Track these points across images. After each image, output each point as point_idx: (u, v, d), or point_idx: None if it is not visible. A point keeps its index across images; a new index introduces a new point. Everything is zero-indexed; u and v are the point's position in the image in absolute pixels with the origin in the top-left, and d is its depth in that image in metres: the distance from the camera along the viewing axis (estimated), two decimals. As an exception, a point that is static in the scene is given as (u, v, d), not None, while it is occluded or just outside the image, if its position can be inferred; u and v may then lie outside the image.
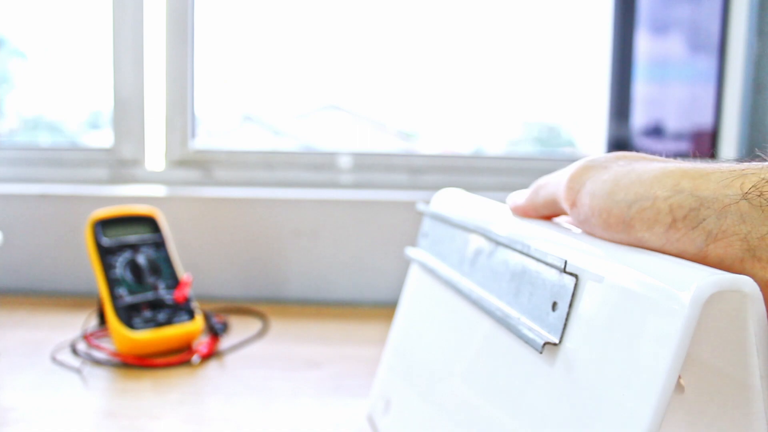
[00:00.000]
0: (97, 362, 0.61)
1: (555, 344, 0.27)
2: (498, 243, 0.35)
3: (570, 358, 0.26)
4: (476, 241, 0.37)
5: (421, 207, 0.47)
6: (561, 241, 0.29)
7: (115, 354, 0.62)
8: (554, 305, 0.28)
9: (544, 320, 0.29)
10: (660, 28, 1.14)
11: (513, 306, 0.31)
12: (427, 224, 0.46)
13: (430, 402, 0.38)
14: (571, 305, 0.27)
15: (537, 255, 0.30)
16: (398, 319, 0.47)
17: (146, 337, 0.62)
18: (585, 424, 0.24)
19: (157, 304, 0.66)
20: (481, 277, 0.36)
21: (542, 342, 0.27)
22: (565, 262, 0.27)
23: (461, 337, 0.36)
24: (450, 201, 0.45)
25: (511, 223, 0.35)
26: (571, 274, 0.27)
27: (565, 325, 0.27)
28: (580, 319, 0.26)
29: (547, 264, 0.29)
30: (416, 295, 0.45)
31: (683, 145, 1.15)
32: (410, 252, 0.47)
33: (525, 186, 0.36)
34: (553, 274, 0.29)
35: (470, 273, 0.37)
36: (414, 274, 0.47)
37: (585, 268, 0.27)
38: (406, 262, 0.49)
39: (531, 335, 0.28)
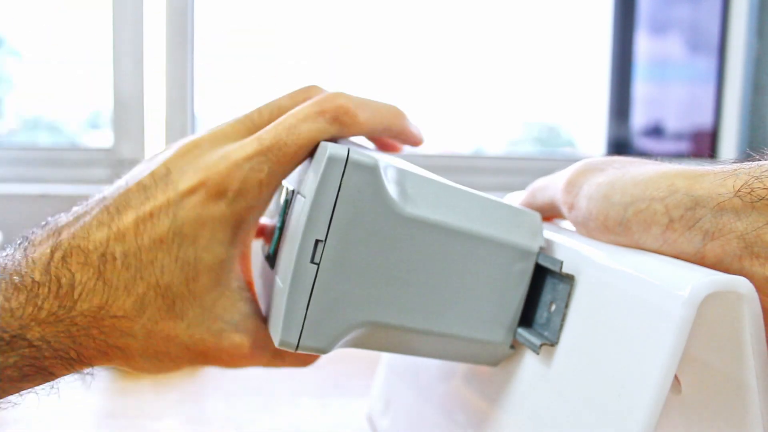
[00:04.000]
0: (97, 362, 0.61)
1: (552, 345, 0.27)
2: None
3: (567, 358, 0.26)
4: None
5: None
6: (557, 242, 0.29)
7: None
8: (551, 306, 0.28)
9: (540, 321, 0.29)
10: (660, 29, 1.15)
11: None
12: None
13: (430, 402, 0.38)
14: (567, 306, 0.27)
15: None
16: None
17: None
18: (582, 424, 0.24)
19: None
20: None
21: (539, 343, 0.27)
22: (561, 263, 0.28)
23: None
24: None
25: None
26: (567, 274, 0.27)
27: (562, 325, 0.27)
28: (577, 319, 0.26)
29: (543, 264, 0.29)
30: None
31: (683, 146, 1.15)
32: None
33: (525, 186, 0.36)
34: (549, 275, 0.29)
35: None
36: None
37: (581, 269, 0.27)
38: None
39: (528, 336, 0.28)
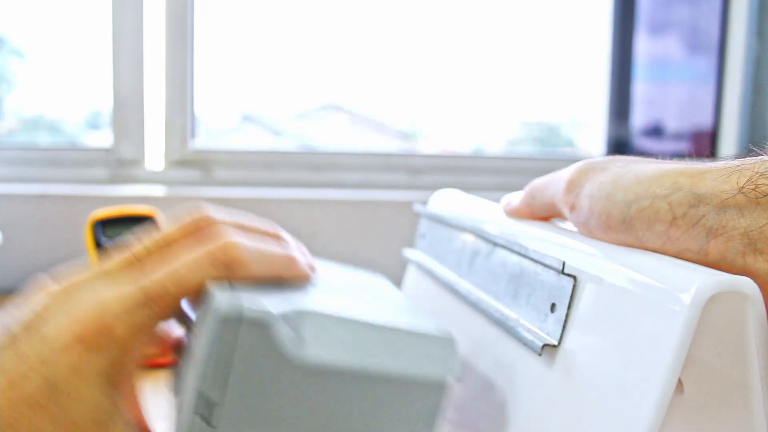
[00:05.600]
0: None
1: (554, 346, 0.27)
2: (496, 244, 0.35)
3: (569, 359, 0.26)
4: (474, 243, 0.37)
5: (417, 208, 0.47)
6: (559, 242, 0.29)
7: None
8: (553, 307, 0.28)
9: (542, 322, 0.29)
10: (659, 29, 1.14)
11: (511, 308, 0.31)
12: (424, 225, 0.46)
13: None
14: (569, 307, 0.27)
15: (535, 256, 0.30)
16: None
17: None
18: (585, 426, 0.24)
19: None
20: (479, 279, 0.35)
21: (541, 344, 0.27)
22: (563, 264, 0.27)
23: (459, 338, 0.36)
24: (447, 202, 0.45)
25: (508, 224, 0.35)
26: (569, 275, 0.27)
27: (564, 326, 0.27)
28: (579, 320, 0.26)
29: (545, 265, 0.29)
30: (414, 297, 0.45)
31: (683, 145, 1.15)
32: (407, 253, 0.47)
33: (524, 186, 0.36)
34: (551, 276, 0.29)
35: (468, 274, 0.37)
36: (411, 276, 0.47)
37: (583, 270, 0.27)
38: (406, 263, 0.49)
39: (530, 337, 0.28)
